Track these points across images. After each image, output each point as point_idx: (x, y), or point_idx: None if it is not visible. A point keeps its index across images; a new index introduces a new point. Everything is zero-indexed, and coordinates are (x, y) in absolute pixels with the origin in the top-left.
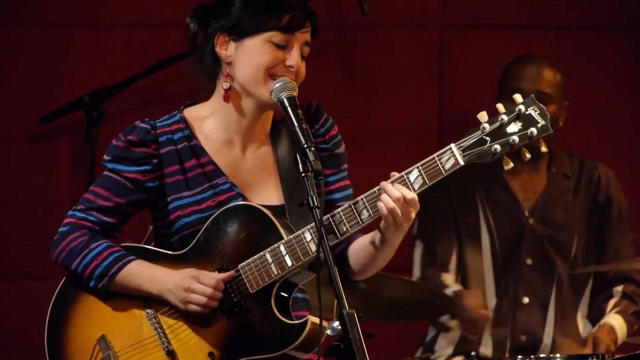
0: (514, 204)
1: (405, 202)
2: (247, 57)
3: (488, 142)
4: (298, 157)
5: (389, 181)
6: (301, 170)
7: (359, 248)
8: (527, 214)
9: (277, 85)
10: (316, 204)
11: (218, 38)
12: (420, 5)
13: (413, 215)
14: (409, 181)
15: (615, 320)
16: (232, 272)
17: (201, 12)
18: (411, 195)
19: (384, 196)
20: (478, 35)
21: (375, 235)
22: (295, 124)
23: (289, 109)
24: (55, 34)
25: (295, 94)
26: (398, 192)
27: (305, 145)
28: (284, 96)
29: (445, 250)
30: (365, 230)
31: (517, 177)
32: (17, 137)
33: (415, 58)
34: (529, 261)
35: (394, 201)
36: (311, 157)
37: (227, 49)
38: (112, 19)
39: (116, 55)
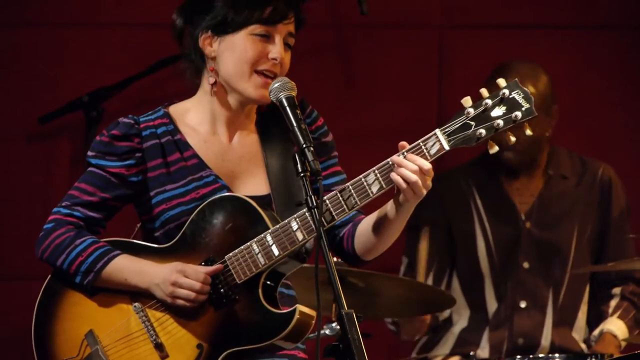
0: (510, 208)
1: (422, 173)
2: (231, 52)
3: (473, 127)
4: (297, 157)
5: (397, 154)
6: (300, 170)
7: (368, 227)
8: (523, 217)
9: (276, 85)
10: (314, 204)
11: (202, 34)
12: (419, 5)
13: (430, 182)
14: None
15: (615, 326)
16: (219, 266)
17: (187, 8)
18: (428, 165)
19: (403, 170)
20: (477, 35)
21: (386, 210)
22: (295, 124)
23: (287, 109)
24: (54, 34)
25: (294, 93)
26: (415, 164)
27: (304, 146)
28: (282, 96)
29: (424, 271)
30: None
31: (514, 181)
32: (16, 136)
33: (414, 58)
34: (526, 265)
35: (415, 174)
36: (310, 157)
37: (211, 45)
38: (110, 19)
39: (115, 55)
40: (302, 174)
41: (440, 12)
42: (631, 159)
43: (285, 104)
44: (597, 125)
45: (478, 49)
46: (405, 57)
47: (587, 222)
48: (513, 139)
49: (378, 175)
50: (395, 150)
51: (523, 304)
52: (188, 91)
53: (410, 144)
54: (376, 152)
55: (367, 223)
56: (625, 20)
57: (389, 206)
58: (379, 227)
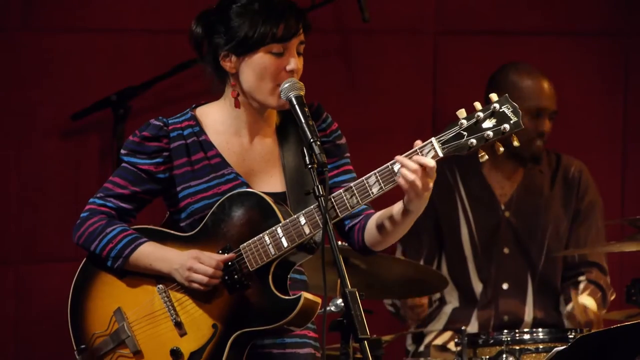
0: (491, 199)
1: (424, 173)
2: (250, 70)
3: (465, 137)
4: (305, 151)
5: (403, 155)
6: (308, 162)
7: (379, 222)
8: (503, 207)
9: (286, 85)
10: (321, 193)
11: (221, 54)
12: (415, 12)
13: (431, 184)
14: (393, 172)
15: (587, 301)
16: (232, 255)
17: (204, 20)
18: (431, 164)
19: (402, 170)
20: (469, 41)
21: (395, 208)
22: (303, 121)
23: (297, 107)
24: (85, 39)
25: (302, 93)
26: (415, 164)
27: (312, 140)
28: (292, 95)
29: (413, 255)
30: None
31: (495, 174)
32: (50, 132)
33: (411, 61)
34: (506, 250)
35: (413, 172)
36: (317, 150)
37: (230, 62)
38: (136, 26)
39: (140, 58)
40: (309, 166)
41: (435, 20)
42: (608, 157)
43: (295, 102)
44: (577, 124)
45: (470, 53)
46: (402, 61)
47: (562, 216)
48: (502, 149)
49: (378, 177)
50: (393, 145)
51: (505, 286)
52: (205, 92)
53: (407, 140)
54: (375, 148)
55: (378, 218)
56: (605, 27)
57: (398, 205)
58: (389, 223)
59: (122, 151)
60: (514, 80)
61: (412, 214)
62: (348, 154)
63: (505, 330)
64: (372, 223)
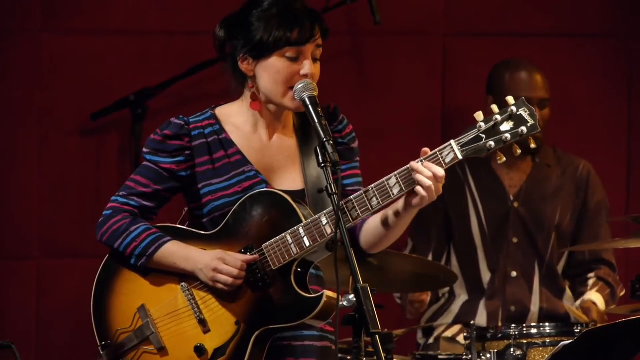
0: (500, 190)
1: (436, 180)
2: (266, 73)
3: (484, 139)
4: (318, 150)
5: (416, 161)
6: (321, 161)
7: (375, 225)
8: (512, 198)
9: (300, 86)
10: (334, 191)
11: (239, 57)
12: (425, 15)
13: (441, 189)
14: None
15: (595, 297)
16: (255, 256)
17: (227, 24)
18: (441, 173)
19: (419, 176)
20: (477, 42)
21: (394, 210)
22: (316, 121)
23: (310, 107)
24: (104, 40)
25: (315, 93)
26: (430, 171)
27: (325, 139)
28: (305, 96)
29: (423, 248)
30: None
31: (505, 167)
32: (71, 131)
33: (420, 63)
34: (514, 240)
35: (429, 179)
36: (330, 149)
37: (248, 64)
38: (154, 28)
39: (158, 59)
40: (323, 165)
41: (444, 22)
42: (613, 156)
43: (308, 103)
44: (583, 124)
45: (478, 55)
46: (412, 62)
47: (568, 209)
48: (519, 151)
49: (399, 179)
50: (402, 144)
51: (514, 274)
52: (222, 92)
53: (416, 139)
54: (386, 146)
55: (374, 221)
56: (610, 29)
57: (398, 206)
58: (386, 225)
59: (144, 150)
60: (502, 76)
61: (412, 215)
62: (358, 158)
63: (513, 325)
64: (368, 226)
